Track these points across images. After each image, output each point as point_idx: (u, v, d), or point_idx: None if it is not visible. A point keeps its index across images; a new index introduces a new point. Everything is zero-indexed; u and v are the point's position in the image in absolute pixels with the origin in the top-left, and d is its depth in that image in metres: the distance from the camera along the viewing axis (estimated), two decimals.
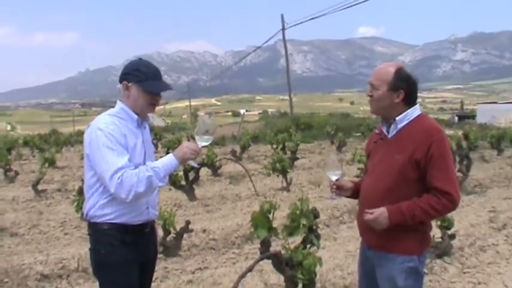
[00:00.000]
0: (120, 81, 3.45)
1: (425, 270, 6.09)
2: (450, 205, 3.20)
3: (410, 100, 3.33)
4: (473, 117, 76.78)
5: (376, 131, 3.62)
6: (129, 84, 3.39)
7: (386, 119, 3.42)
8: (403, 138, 3.29)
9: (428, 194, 3.20)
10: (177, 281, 6.47)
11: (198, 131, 3.43)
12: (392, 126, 3.37)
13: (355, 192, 3.67)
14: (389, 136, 3.39)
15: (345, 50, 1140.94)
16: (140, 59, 3.54)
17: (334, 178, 3.63)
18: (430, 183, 3.19)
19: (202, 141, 3.42)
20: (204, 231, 8.69)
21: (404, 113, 3.32)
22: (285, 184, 13.11)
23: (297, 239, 4.74)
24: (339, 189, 3.66)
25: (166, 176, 3.34)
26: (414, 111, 3.34)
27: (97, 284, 3.55)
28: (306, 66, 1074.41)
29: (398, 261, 3.28)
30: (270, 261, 4.65)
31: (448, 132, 23.87)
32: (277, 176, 13.48)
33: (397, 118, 3.32)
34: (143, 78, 3.37)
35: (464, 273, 6.57)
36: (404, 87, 3.30)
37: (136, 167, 3.25)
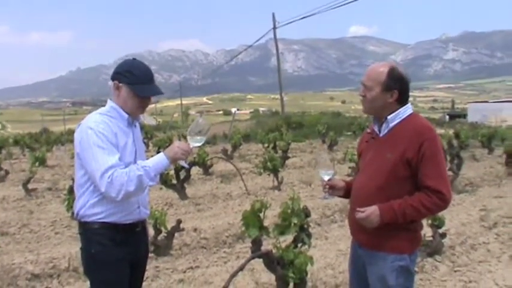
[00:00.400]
0: (112, 79, 3.44)
1: (416, 269, 6.10)
2: (441, 203, 3.20)
3: (403, 99, 3.34)
4: (464, 116, 77.12)
5: (368, 130, 3.62)
6: (120, 84, 3.38)
7: (378, 118, 3.42)
8: (394, 137, 3.29)
9: (420, 192, 3.20)
10: (168, 280, 6.46)
11: (191, 131, 3.41)
12: (384, 125, 3.36)
13: (347, 192, 3.66)
14: (381, 135, 3.39)
15: (336, 49, 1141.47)
16: (134, 59, 3.51)
17: (326, 178, 3.62)
18: (422, 181, 3.19)
19: (195, 142, 3.40)
20: (195, 230, 8.69)
21: (396, 112, 3.32)
22: (276, 183, 13.12)
23: (288, 238, 4.73)
24: (331, 188, 3.66)
25: (157, 175, 3.33)
26: (406, 110, 3.34)
27: (88, 283, 3.54)
28: (297, 65, 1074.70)
29: (389, 260, 3.28)
30: (261, 260, 4.65)
31: (439, 131, 23.94)
32: (268, 175, 13.49)
33: (388, 117, 3.32)
34: (134, 81, 3.35)
35: (455, 271, 6.59)
36: (398, 87, 3.29)
37: (127, 166, 3.24)
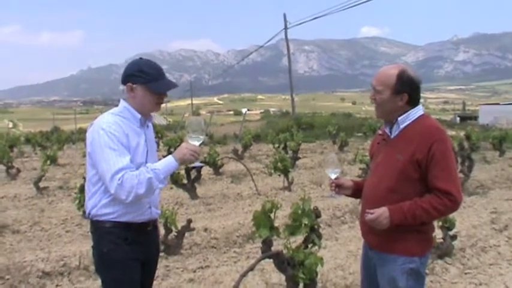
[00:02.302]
0: (124, 83, 3.43)
1: (427, 271, 6.09)
2: (452, 205, 3.18)
3: (413, 101, 3.33)
4: (475, 118, 76.72)
5: (380, 132, 3.62)
6: (134, 85, 3.38)
7: (389, 120, 3.42)
8: (405, 138, 3.29)
9: (430, 194, 3.19)
10: (179, 279, 6.48)
11: (188, 131, 3.42)
12: (395, 127, 3.37)
13: (356, 191, 3.68)
14: (392, 137, 3.39)
15: (347, 50, 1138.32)
16: (141, 58, 3.52)
17: (333, 176, 3.65)
18: (432, 183, 3.18)
19: (194, 141, 3.39)
20: (205, 230, 8.70)
21: (407, 114, 3.32)
22: (286, 184, 13.11)
23: (299, 239, 4.75)
24: (338, 187, 3.67)
25: (166, 177, 3.34)
26: (417, 112, 3.33)
27: (98, 281, 3.56)
28: (309, 65, 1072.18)
29: (399, 263, 3.28)
30: (272, 260, 4.66)
31: (450, 133, 23.89)
32: (279, 175, 13.48)
33: (399, 119, 3.32)
34: (148, 79, 3.35)
35: (466, 274, 6.57)
36: (407, 90, 3.29)
37: (138, 167, 3.26)
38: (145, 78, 3.35)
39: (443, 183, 3.15)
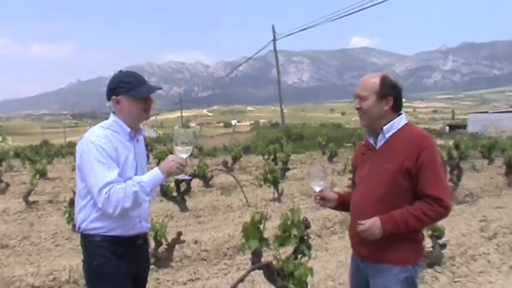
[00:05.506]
0: (109, 98, 3.46)
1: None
2: (443, 211, 3.20)
3: (398, 107, 3.37)
4: (464, 126, 76.98)
5: (363, 143, 3.64)
6: (118, 97, 3.41)
7: (374, 130, 3.44)
8: (392, 147, 3.31)
9: (421, 201, 3.21)
10: None
11: (175, 143, 3.42)
12: (380, 137, 3.39)
13: (340, 204, 3.68)
14: (377, 147, 3.41)
15: (337, 61, 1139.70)
16: (120, 71, 3.55)
17: (317, 189, 3.65)
18: (422, 190, 3.20)
19: (181, 153, 3.40)
20: (195, 242, 8.69)
21: (391, 123, 3.35)
22: (276, 195, 13.11)
23: (288, 250, 4.74)
24: (322, 200, 3.67)
25: (153, 190, 3.35)
26: (401, 121, 3.37)
27: None
28: (298, 76, 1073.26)
29: (394, 272, 3.28)
30: (262, 271, 4.65)
31: (439, 142, 23.97)
32: (269, 186, 13.49)
33: (384, 128, 3.35)
34: (130, 88, 3.38)
35: (456, 282, 6.59)
36: (392, 93, 3.34)
37: (126, 181, 3.26)
38: (127, 87, 3.38)
39: (433, 189, 3.17)
